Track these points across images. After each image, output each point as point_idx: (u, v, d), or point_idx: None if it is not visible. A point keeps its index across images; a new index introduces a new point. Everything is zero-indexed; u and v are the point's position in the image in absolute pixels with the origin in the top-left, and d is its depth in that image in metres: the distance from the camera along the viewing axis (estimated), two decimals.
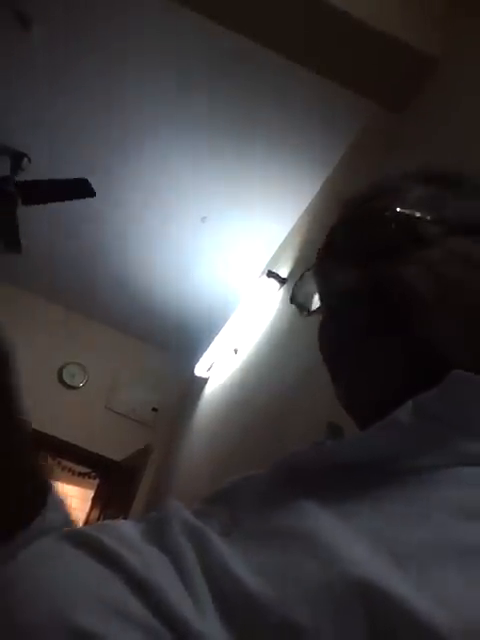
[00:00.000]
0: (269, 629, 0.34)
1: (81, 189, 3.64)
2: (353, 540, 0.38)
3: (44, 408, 4.98)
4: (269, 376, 2.85)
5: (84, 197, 3.67)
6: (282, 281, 3.25)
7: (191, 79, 2.96)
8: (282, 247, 3.73)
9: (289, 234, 3.66)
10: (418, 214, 0.57)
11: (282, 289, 3.24)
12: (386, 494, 0.43)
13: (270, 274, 3.31)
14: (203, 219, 3.83)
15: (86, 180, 3.56)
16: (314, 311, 0.67)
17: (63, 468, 5.98)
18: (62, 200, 3.72)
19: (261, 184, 3.43)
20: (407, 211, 0.58)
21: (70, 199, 3.70)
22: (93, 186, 3.78)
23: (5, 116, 3.49)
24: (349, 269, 0.59)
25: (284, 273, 3.28)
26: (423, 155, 1.92)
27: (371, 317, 0.56)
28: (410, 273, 0.54)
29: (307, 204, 3.44)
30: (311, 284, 0.67)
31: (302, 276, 0.69)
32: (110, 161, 3.60)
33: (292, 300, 0.71)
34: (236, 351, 3.81)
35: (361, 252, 0.59)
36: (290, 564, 0.38)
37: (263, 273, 3.52)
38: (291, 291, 0.71)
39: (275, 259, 3.77)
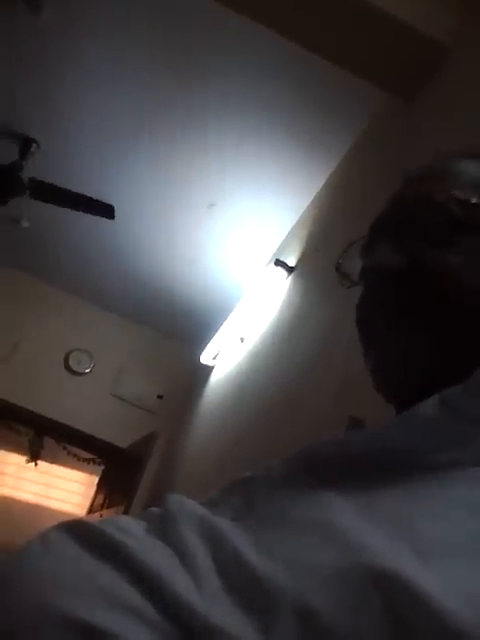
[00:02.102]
0: (288, 617, 0.33)
1: (103, 210, 3.74)
2: (372, 531, 0.37)
3: (50, 394, 5.01)
4: (276, 365, 2.84)
5: (102, 216, 3.77)
6: (290, 270, 3.24)
7: (199, 65, 2.94)
8: (290, 235, 3.72)
9: (297, 222, 3.64)
10: (474, 199, 0.55)
11: (290, 278, 3.23)
12: (406, 489, 0.42)
13: (278, 262, 3.30)
14: (210, 206, 3.81)
15: (112, 206, 3.64)
16: (355, 284, 0.67)
17: (68, 454, 6.03)
18: (77, 210, 3.77)
19: (270, 171, 3.42)
20: (461, 196, 0.56)
21: (86, 212, 3.77)
22: (104, 172, 3.78)
23: (14, 101, 3.48)
24: (393, 248, 0.58)
25: (292, 262, 3.26)
26: (435, 143, 1.91)
27: (407, 299, 0.55)
28: (455, 261, 0.53)
29: (316, 192, 3.43)
30: (357, 255, 0.67)
31: (350, 247, 0.68)
32: (118, 146, 3.59)
33: (337, 269, 0.71)
34: (242, 340, 3.81)
35: (408, 233, 0.58)
36: (307, 551, 0.37)
37: (271, 261, 3.51)
38: (337, 260, 0.70)
39: (283, 247, 3.76)
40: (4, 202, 3.78)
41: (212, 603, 0.34)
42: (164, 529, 0.43)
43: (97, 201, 3.73)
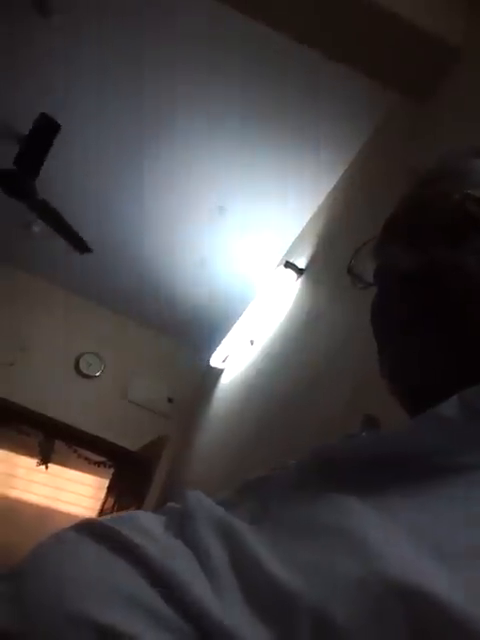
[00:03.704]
0: (306, 626, 0.32)
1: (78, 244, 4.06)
2: (393, 538, 0.36)
3: (60, 397, 5.02)
4: (286, 367, 2.83)
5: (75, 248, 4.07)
6: (300, 272, 3.23)
7: (206, 69, 2.94)
8: (300, 237, 3.71)
9: (307, 224, 3.63)
10: None
11: (300, 280, 3.22)
12: (428, 491, 0.41)
13: (287, 265, 3.29)
14: (220, 209, 3.81)
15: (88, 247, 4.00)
16: (368, 285, 0.66)
17: (79, 456, 6.04)
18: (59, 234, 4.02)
19: (279, 173, 3.41)
20: (477, 194, 0.55)
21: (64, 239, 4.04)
22: (113, 175, 3.78)
23: (23, 105, 3.48)
24: (408, 249, 0.57)
25: (302, 263, 3.25)
26: (446, 144, 1.89)
27: (421, 299, 0.54)
28: (471, 260, 0.52)
29: (326, 194, 3.42)
30: (369, 257, 0.66)
31: (361, 248, 0.67)
32: (127, 151, 3.59)
33: (349, 271, 0.69)
34: (252, 342, 3.80)
35: (423, 233, 0.57)
36: (326, 560, 0.36)
37: (280, 263, 3.50)
38: (349, 262, 0.69)
39: (293, 249, 3.75)
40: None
41: (230, 609, 0.34)
42: (183, 527, 0.42)
43: (78, 237, 4.03)
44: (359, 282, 0.68)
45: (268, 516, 0.45)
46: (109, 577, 0.37)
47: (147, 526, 0.42)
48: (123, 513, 0.46)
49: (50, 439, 6.12)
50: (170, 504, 0.49)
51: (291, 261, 3.33)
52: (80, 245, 4.07)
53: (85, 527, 0.42)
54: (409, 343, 0.54)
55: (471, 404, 0.43)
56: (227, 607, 0.34)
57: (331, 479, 0.46)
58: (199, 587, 0.35)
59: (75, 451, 6.03)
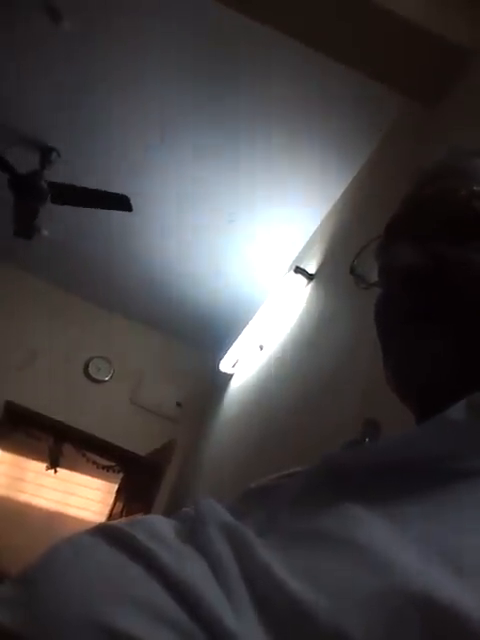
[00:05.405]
0: (318, 639, 0.31)
1: (120, 203, 3.71)
2: (405, 546, 0.35)
3: (69, 401, 5.03)
4: (296, 373, 2.83)
5: (121, 210, 3.74)
6: (310, 277, 3.22)
7: (221, 74, 2.94)
8: (310, 242, 3.70)
9: (317, 229, 3.63)
10: None
11: (310, 285, 3.21)
12: (437, 497, 0.40)
13: (297, 270, 3.29)
14: (231, 215, 3.81)
15: (127, 198, 3.62)
16: (371, 285, 0.65)
17: (88, 461, 6.04)
18: (96, 207, 3.76)
19: (290, 178, 3.41)
20: None
21: (105, 208, 3.76)
22: (121, 183, 3.78)
23: (34, 110, 3.50)
24: (413, 247, 0.55)
25: (312, 269, 3.25)
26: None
27: (427, 299, 0.53)
28: (478, 258, 0.51)
29: (335, 199, 3.41)
30: (372, 257, 0.64)
31: (365, 248, 0.66)
32: (139, 157, 3.60)
33: (352, 271, 0.69)
34: (262, 347, 3.80)
35: (427, 230, 0.56)
36: (338, 571, 0.35)
37: (290, 269, 3.50)
38: (352, 261, 0.68)
39: (303, 255, 3.74)
40: (29, 212, 3.80)
41: (242, 619, 0.33)
42: (194, 533, 0.42)
43: (112, 194, 3.70)
44: (362, 282, 0.67)
45: (275, 528, 0.44)
46: (123, 581, 0.36)
47: (161, 531, 0.42)
48: (137, 517, 0.46)
49: (59, 443, 6.14)
50: (185, 509, 0.49)
51: (301, 266, 3.33)
52: (120, 203, 3.79)
53: (100, 531, 0.42)
54: (413, 343, 0.53)
55: (478, 407, 0.42)
56: (239, 616, 0.33)
57: (339, 487, 0.45)
58: (212, 594, 0.35)
59: (84, 455, 6.04)
